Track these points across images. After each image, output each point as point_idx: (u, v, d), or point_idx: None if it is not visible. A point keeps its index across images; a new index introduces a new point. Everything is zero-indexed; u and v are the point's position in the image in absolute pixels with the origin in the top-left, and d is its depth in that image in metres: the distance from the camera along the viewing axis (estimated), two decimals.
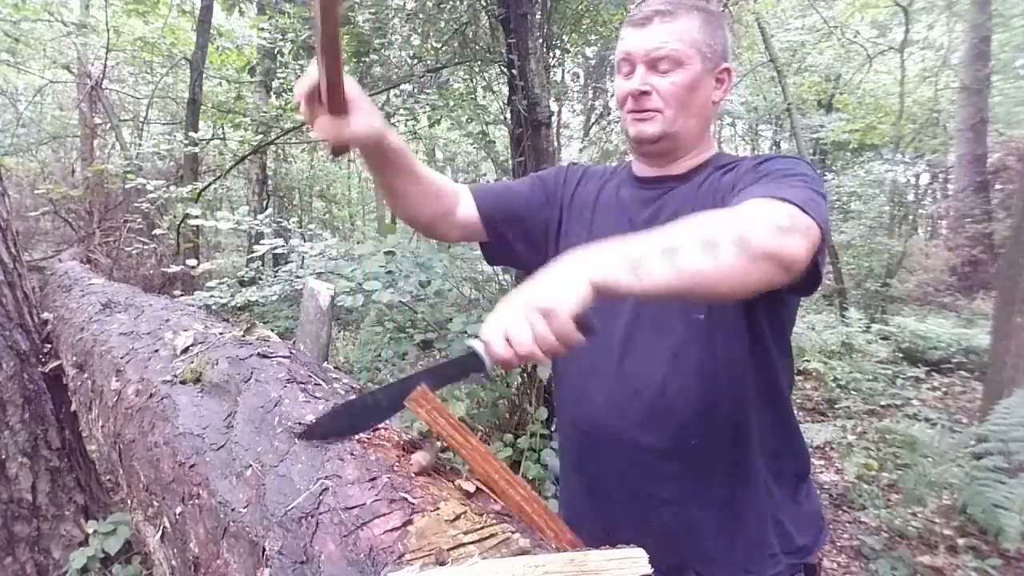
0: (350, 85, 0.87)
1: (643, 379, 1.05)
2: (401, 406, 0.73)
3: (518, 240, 1.23)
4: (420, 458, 0.75)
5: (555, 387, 1.27)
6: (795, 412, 1.14)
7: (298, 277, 3.90)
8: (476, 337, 0.76)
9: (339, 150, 0.92)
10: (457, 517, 0.63)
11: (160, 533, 1.01)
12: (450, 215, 1.17)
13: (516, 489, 0.72)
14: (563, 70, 7.18)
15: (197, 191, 5.08)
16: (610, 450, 1.09)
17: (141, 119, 8.27)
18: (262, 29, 5.08)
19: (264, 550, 0.68)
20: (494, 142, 5.31)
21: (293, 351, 1.23)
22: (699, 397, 1.02)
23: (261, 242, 4.13)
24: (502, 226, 1.21)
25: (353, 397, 0.87)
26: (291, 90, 5.91)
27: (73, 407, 2.01)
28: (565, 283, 0.74)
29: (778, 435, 1.08)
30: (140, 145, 7.17)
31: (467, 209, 1.19)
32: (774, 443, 1.06)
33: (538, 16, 4.28)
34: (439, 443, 0.76)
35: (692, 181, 1.09)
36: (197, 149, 6.14)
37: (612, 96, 8.34)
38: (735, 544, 1.04)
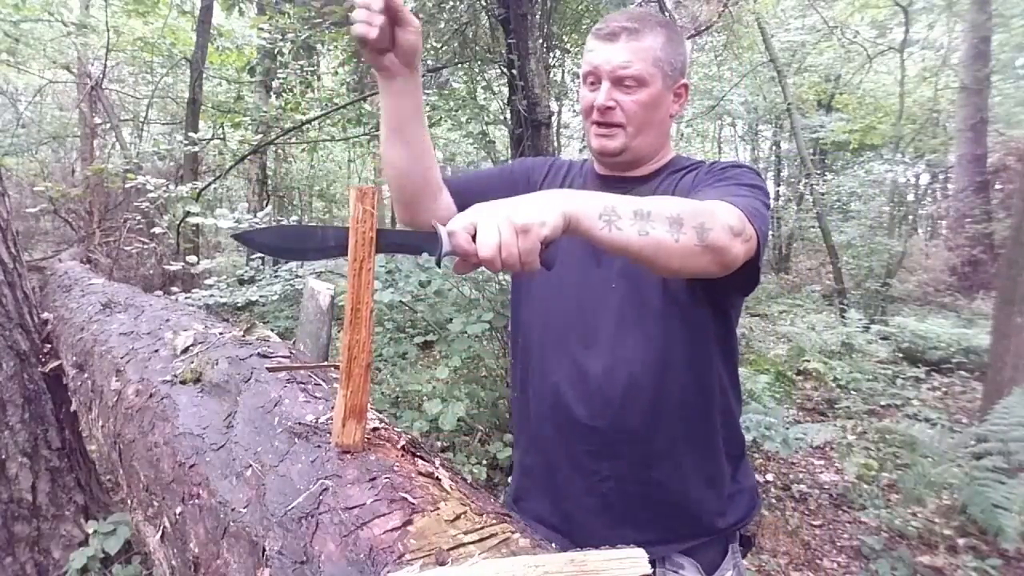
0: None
1: (599, 364, 1.12)
2: (345, 252, 0.72)
3: None
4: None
5: (515, 356, 1.30)
6: (739, 396, 1.24)
7: (298, 277, 3.90)
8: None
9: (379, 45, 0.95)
10: (457, 517, 0.63)
11: (160, 533, 1.01)
12: (434, 199, 1.16)
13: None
14: (563, 70, 7.17)
15: (197, 191, 5.08)
16: (563, 425, 1.16)
17: (141, 119, 8.27)
18: (262, 29, 5.08)
19: (264, 550, 0.69)
20: (494, 142, 5.31)
21: (293, 351, 1.24)
22: (649, 386, 1.10)
23: None
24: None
25: (300, 224, 0.84)
26: (291, 90, 5.93)
27: (73, 407, 2.01)
28: (543, 208, 0.76)
29: (718, 421, 1.16)
30: (140, 145, 7.17)
31: (447, 197, 1.19)
32: (715, 429, 1.16)
33: (538, 16, 4.28)
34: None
35: (651, 183, 1.17)
36: (197, 149, 6.14)
37: None
38: (670, 515, 1.13)
